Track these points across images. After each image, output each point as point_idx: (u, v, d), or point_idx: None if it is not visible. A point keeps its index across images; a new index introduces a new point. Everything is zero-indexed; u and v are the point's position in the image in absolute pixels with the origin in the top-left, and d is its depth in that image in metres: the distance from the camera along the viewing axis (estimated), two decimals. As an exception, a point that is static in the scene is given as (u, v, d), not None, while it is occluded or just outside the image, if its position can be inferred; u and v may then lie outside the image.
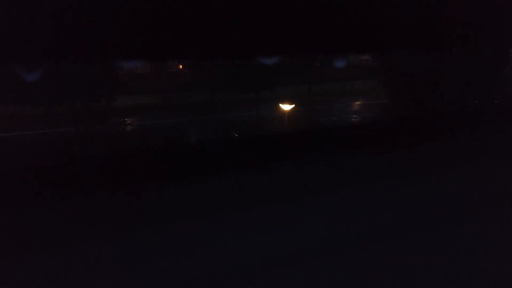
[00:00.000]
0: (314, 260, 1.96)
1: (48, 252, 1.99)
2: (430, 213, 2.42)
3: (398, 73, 10.43)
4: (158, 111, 12.21)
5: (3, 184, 2.38)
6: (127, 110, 11.18)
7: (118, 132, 10.01)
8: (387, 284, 1.76)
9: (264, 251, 2.05)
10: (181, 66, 15.42)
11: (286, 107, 11.73)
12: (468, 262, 1.89)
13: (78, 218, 2.27)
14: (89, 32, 2.03)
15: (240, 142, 4.19)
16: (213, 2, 2.23)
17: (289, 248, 2.09)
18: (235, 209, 2.40)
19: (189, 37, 2.33)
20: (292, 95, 12.30)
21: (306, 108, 13.08)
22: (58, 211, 2.31)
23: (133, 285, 1.78)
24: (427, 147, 3.31)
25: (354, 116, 13.34)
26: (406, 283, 1.78)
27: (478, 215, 2.34)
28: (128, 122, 10.57)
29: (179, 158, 2.98)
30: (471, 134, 3.58)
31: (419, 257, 1.97)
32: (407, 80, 9.99)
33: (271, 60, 11.55)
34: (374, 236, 2.19)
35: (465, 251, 1.99)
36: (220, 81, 12.64)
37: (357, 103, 14.85)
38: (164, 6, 2.14)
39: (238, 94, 12.24)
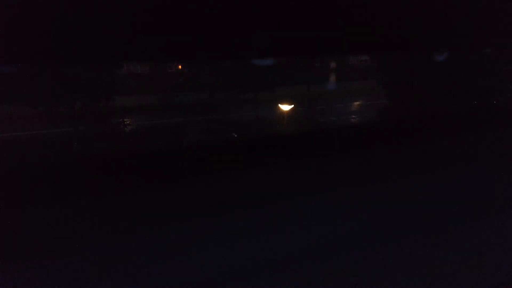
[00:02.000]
0: (311, 263, 1.96)
1: (47, 254, 1.99)
2: (432, 214, 2.42)
3: (397, 73, 10.44)
4: (157, 112, 12.21)
5: (3, 184, 2.38)
6: (126, 110, 11.17)
7: (118, 132, 10.01)
8: (388, 286, 1.76)
9: (259, 254, 2.05)
10: (180, 67, 15.42)
11: (285, 107, 11.73)
12: (473, 264, 1.89)
13: (76, 219, 2.26)
14: (90, 34, 2.03)
15: (239, 142, 4.18)
16: (213, 4, 2.23)
17: (284, 250, 2.09)
18: (227, 211, 2.40)
19: (188, 38, 2.32)
20: (291, 95, 12.31)
21: (306, 109, 13.08)
22: (57, 212, 2.31)
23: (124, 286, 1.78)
24: (428, 148, 3.30)
25: (353, 116, 13.35)
26: (407, 284, 1.78)
27: (483, 217, 2.34)
28: (127, 122, 10.56)
29: (176, 159, 2.97)
30: (471, 134, 3.58)
31: (421, 258, 1.97)
32: (406, 80, 10.01)
33: (271, 60, 11.56)
34: (375, 237, 2.18)
35: (469, 253, 1.99)
36: (220, 81, 12.65)
37: (356, 103, 14.86)
38: (163, 8, 2.14)
39: (237, 94, 12.24)
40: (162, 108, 12.46)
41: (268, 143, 3.36)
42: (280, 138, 3.74)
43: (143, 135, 10.50)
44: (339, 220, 2.34)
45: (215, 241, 2.16)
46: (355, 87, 15.56)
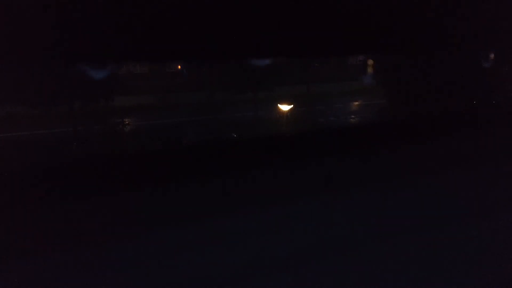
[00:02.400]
0: (311, 263, 1.96)
1: (47, 254, 1.99)
2: (430, 215, 2.42)
3: (396, 73, 10.44)
4: (156, 112, 12.19)
5: (3, 184, 2.38)
6: (126, 110, 11.16)
7: (117, 132, 10.01)
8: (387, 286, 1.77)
9: (259, 254, 2.05)
10: (179, 67, 15.41)
11: (285, 107, 11.73)
12: (473, 263, 1.90)
13: (75, 219, 2.27)
14: (90, 34, 2.03)
15: (239, 143, 4.19)
16: (213, 4, 2.23)
17: (284, 250, 2.09)
18: (228, 211, 2.40)
19: (188, 38, 2.33)
20: (291, 96, 12.31)
21: (305, 109, 13.08)
22: (56, 212, 2.32)
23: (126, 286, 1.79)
24: (427, 149, 3.31)
25: (353, 116, 13.36)
26: (405, 285, 1.78)
27: (480, 218, 2.35)
28: (127, 122, 10.56)
29: (176, 159, 2.98)
30: (470, 134, 3.58)
31: (419, 259, 1.98)
32: (404, 80, 10.01)
33: (270, 61, 11.56)
34: (373, 237, 2.19)
35: (467, 254, 1.99)
36: (219, 81, 12.64)
37: (355, 103, 14.85)
38: (164, 8, 2.14)
39: (237, 94, 12.24)
40: (162, 108, 12.45)
41: (267, 143, 3.37)
42: (279, 138, 3.75)
43: (142, 135, 10.50)
44: (339, 220, 2.34)
45: (215, 241, 2.16)
46: (354, 87, 15.54)
